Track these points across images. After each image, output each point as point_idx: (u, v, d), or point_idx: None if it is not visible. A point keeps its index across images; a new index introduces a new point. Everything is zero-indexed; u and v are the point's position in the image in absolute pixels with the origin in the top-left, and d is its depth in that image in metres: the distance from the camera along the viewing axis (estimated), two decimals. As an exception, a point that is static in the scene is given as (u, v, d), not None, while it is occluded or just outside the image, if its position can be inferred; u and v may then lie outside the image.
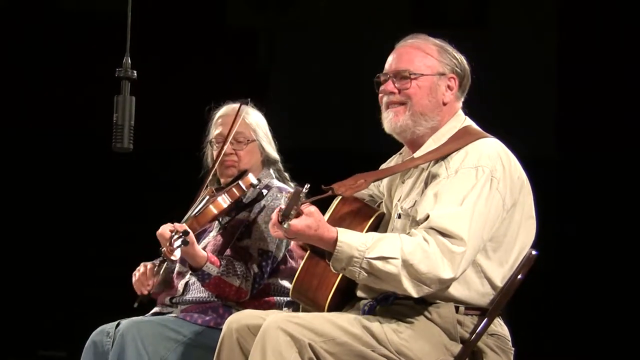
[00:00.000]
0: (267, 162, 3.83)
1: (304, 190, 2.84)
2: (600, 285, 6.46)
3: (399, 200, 3.10)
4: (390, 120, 3.08)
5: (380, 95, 3.12)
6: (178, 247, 3.37)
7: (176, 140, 5.55)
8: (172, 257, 3.38)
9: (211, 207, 3.60)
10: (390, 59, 3.12)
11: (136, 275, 3.69)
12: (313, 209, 2.90)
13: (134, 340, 3.46)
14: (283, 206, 2.86)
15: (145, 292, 3.64)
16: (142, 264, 3.71)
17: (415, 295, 2.86)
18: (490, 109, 5.79)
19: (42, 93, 7.14)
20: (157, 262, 3.67)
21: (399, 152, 3.26)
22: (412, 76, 3.05)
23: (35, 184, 7.05)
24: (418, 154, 3.08)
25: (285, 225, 2.83)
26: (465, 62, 3.14)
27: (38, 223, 7.02)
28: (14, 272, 6.90)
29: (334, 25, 7.29)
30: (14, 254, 6.93)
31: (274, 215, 2.91)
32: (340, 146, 6.94)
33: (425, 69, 3.07)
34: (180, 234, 3.38)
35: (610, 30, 6.71)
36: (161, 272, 3.64)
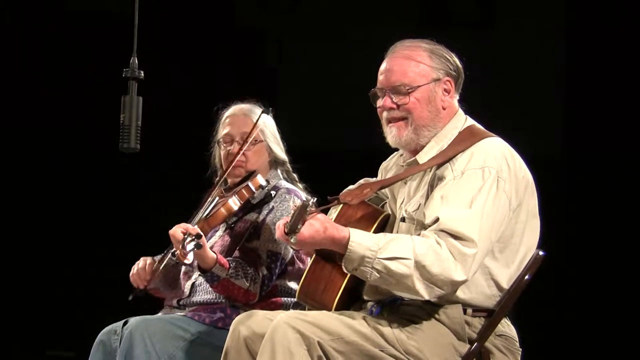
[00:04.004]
0: (275, 162, 3.82)
1: (310, 204, 2.83)
2: (608, 286, 6.44)
3: (402, 203, 3.10)
4: (395, 137, 3.07)
5: (379, 109, 3.11)
6: (191, 250, 3.34)
7: (183, 140, 5.55)
8: (185, 261, 3.37)
9: (222, 209, 3.60)
10: (383, 69, 3.09)
11: (135, 269, 3.70)
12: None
13: (142, 338, 3.46)
14: (289, 219, 2.84)
15: (142, 287, 3.66)
16: (142, 258, 3.72)
17: (426, 297, 2.85)
18: (498, 108, 5.80)
19: (49, 93, 7.14)
20: (157, 258, 3.68)
21: (399, 153, 3.25)
22: (409, 90, 3.04)
23: (42, 184, 7.05)
24: (422, 158, 3.06)
25: (292, 240, 2.83)
26: (457, 59, 3.11)
27: (45, 223, 7.02)
28: (22, 271, 6.91)
29: (342, 25, 7.28)
30: (21, 254, 6.93)
31: (281, 225, 2.90)
32: (348, 146, 6.93)
33: (420, 79, 3.04)
34: (193, 237, 3.36)
35: (619, 28, 6.68)
36: (160, 268, 3.64)
